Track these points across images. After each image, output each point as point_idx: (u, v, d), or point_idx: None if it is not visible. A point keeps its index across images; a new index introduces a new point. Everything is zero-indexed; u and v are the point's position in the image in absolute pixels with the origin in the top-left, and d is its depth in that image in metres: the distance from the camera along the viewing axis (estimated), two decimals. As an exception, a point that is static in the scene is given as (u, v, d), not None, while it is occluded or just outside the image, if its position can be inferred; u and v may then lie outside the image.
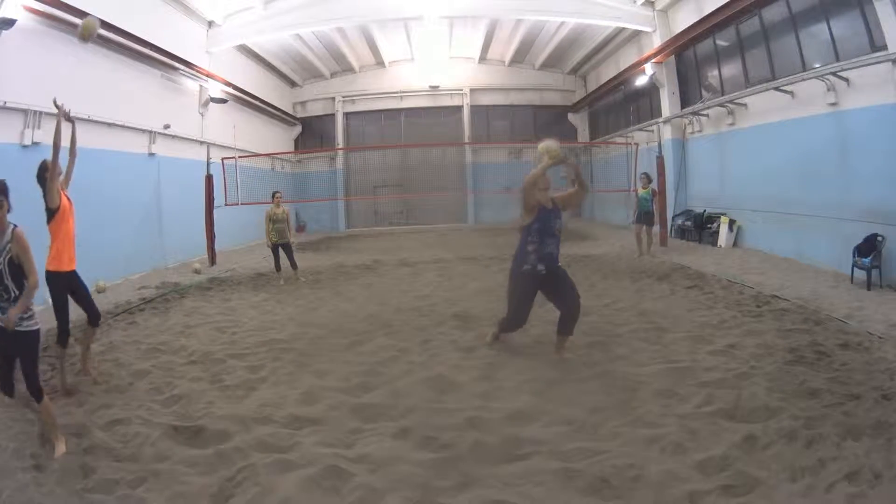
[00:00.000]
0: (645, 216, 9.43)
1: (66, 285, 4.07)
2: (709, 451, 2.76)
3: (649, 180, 9.55)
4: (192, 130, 11.72)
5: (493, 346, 4.66)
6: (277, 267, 8.72)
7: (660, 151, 11.36)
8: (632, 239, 9.51)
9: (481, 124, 19.86)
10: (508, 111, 19.97)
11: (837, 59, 7.45)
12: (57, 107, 4.16)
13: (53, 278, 4.00)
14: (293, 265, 8.70)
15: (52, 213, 3.99)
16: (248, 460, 2.83)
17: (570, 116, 19.98)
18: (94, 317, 4.31)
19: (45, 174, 3.91)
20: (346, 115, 19.76)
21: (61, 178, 4.10)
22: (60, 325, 4.03)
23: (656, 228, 10.27)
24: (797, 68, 8.38)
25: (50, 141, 4.08)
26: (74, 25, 7.70)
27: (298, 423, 3.32)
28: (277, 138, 18.06)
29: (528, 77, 19.60)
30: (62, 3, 7.28)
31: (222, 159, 11.42)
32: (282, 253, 8.65)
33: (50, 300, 4.12)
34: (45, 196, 3.95)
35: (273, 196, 8.67)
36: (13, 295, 3.01)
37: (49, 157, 3.91)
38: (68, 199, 4.13)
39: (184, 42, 11.03)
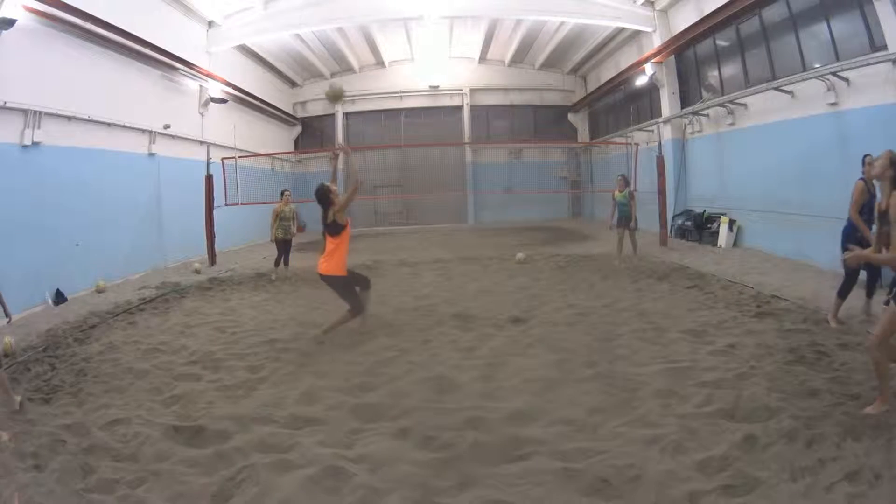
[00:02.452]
0: (625, 220, 9.24)
1: (350, 282, 5.21)
2: (709, 451, 2.76)
3: (626, 183, 9.34)
4: (192, 130, 11.72)
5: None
6: (277, 262, 8.91)
7: (660, 151, 11.35)
8: (628, 241, 9.42)
9: (481, 124, 19.84)
10: (508, 111, 19.95)
11: (837, 59, 7.44)
12: (344, 149, 5.58)
13: (342, 280, 5.15)
14: (284, 262, 8.94)
15: (340, 228, 5.01)
16: (248, 460, 2.83)
17: (570, 116, 19.97)
18: (366, 285, 5.46)
19: (331, 196, 4.96)
20: (346, 114, 19.74)
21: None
22: (356, 305, 5.19)
23: (656, 230, 10.16)
24: (797, 68, 8.37)
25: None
26: (75, 26, 7.75)
27: (298, 423, 3.32)
28: (277, 138, 18.05)
29: (528, 77, 19.58)
30: (62, 3, 7.28)
31: (222, 159, 11.41)
32: None
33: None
34: (333, 213, 4.94)
35: (282, 194, 9.05)
36: None
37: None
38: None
39: (184, 42, 11.03)
